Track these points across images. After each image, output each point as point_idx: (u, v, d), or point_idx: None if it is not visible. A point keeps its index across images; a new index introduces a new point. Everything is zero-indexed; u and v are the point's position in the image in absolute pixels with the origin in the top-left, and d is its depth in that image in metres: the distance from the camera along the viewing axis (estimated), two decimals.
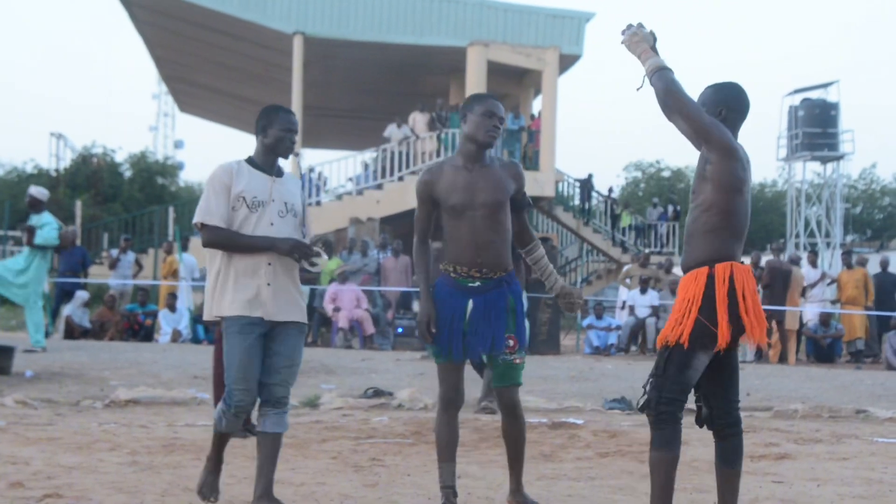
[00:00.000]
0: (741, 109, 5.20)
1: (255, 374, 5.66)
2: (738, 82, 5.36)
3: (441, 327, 5.82)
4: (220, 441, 6.01)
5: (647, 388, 5.08)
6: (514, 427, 6.02)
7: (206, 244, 5.69)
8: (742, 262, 5.07)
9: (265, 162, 5.82)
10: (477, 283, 5.79)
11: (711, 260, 5.00)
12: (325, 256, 5.79)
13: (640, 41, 5.27)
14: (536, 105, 31.29)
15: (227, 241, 5.63)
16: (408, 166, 27.42)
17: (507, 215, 5.85)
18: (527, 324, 6.20)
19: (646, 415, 5.10)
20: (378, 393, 11.55)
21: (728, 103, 5.17)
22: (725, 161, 5.00)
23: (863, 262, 21.85)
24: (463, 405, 6.21)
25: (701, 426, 5.21)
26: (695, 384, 5.06)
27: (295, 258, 5.66)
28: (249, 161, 5.82)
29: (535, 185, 27.43)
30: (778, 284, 18.83)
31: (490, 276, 5.79)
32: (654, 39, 5.29)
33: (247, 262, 5.62)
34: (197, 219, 5.63)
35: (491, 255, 5.78)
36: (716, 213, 5.02)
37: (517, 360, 5.87)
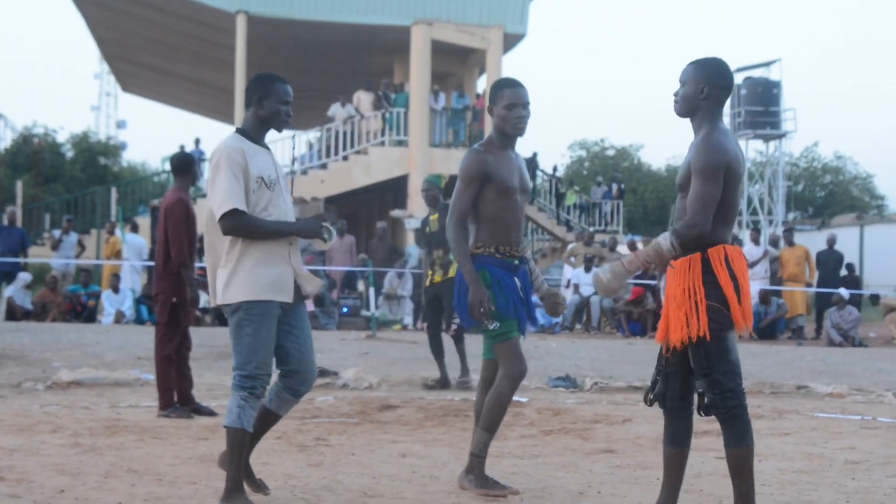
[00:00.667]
0: (726, 85, 5.05)
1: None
2: (720, 57, 5.24)
3: (510, 304, 5.90)
4: (242, 443, 5.44)
5: (664, 383, 5.05)
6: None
7: (229, 232, 5.31)
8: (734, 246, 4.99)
9: (258, 135, 5.54)
10: (516, 262, 6.02)
11: (703, 246, 4.90)
12: (334, 233, 5.73)
13: (622, 274, 5.07)
14: (481, 84, 31.28)
15: (254, 229, 5.33)
16: (352, 146, 27.31)
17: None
18: None
19: (660, 407, 5.09)
20: (323, 373, 11.49)
21: (711, 80, 5.01)
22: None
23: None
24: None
25: (651, 405, 5.14)
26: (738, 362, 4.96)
27: (314, 237, 5.56)
28: (244, 135, 5.50)
29: None
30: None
31: (521, 255, 6.05)
32: (620, 269, 5.10)
33: (270, 245, 5.38)
34: (226, 207, 5.24)
35: (521, 237, 6.06)
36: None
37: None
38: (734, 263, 4.89)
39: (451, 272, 11.16)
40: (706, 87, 4.99)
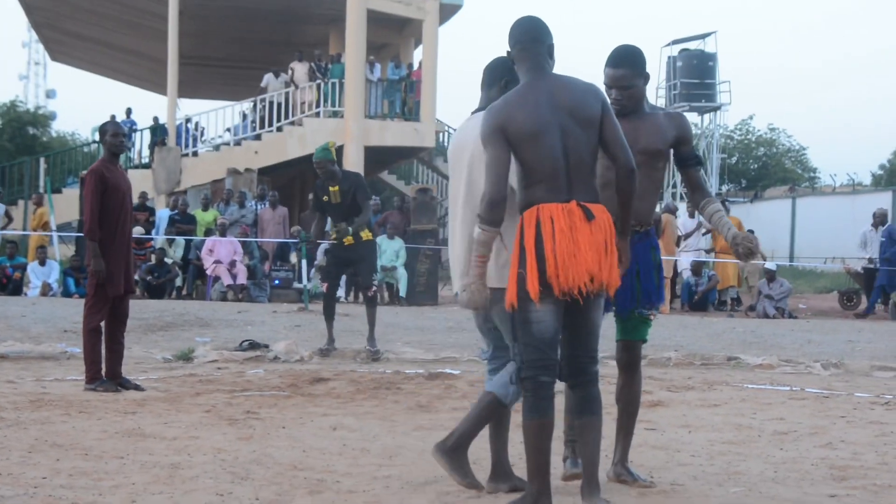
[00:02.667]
0: (519, 40, 4.88)
1: None
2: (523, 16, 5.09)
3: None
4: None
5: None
6: (633, 385, 5.71)
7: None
8: (563, 203, 4.71)
9: None
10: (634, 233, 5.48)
11: (522, 208, 4.79)
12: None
13: (474, 285, 4.83)
14: (417, 55, 31.13)
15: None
16: (286, 117, 27.12)
17: (664, 167, 5.61)
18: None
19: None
20: (254, 346, 11.42)
21: (510, 45, 4.91)
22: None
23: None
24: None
25: (561, 379, 4.97)
26: (553, 337, 4.78)
27: None
28: None
29: (416, 135, 27.37)
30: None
31: (637, 228, 5.49)
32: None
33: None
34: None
35: (643, 206, 5.44)
36: (518, 165, 4.79)
37: (652, 316, 5.70)
38: (555, 223, 4.67)
39: (365, 235, 11.17)
40: (513, 52, 4.92)
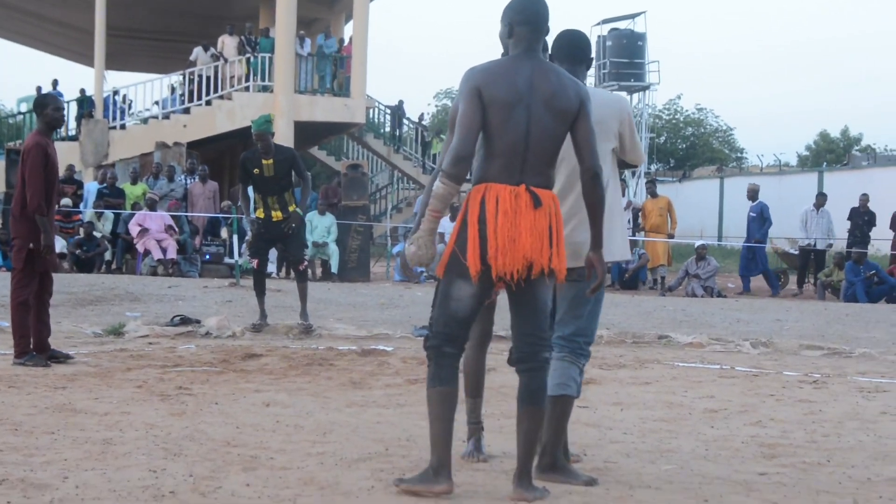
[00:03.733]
0: (526, 20, 4.85)
1: None
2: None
3: None
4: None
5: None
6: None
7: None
8: (512, 185, 4.70)
9: None
10: None
11: (475, 181, 4.80)
12: None
13: (424, 237, 4.83)
14: (348, 30, 30.97)
15: None
16: (216, 90, 26.87)
17: None
18: None
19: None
20: (185, 321, 11.33)
21: (512, 18, 4.87)
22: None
23: None
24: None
25: (509, 363, 5.05)
26: (469, 316, 4.81)
27: None
28: None
29: (346, 111, 27.23)
30: None
31: None
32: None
33: None
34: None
35: None
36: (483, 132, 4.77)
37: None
38: (499, 205, 4.65)
39: (291, 208, 11.17)
40: (511, 27, 4.88)
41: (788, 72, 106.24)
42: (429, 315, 5.10)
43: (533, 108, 4.74)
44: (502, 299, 5.54)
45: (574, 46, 5.46)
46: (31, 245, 8.74)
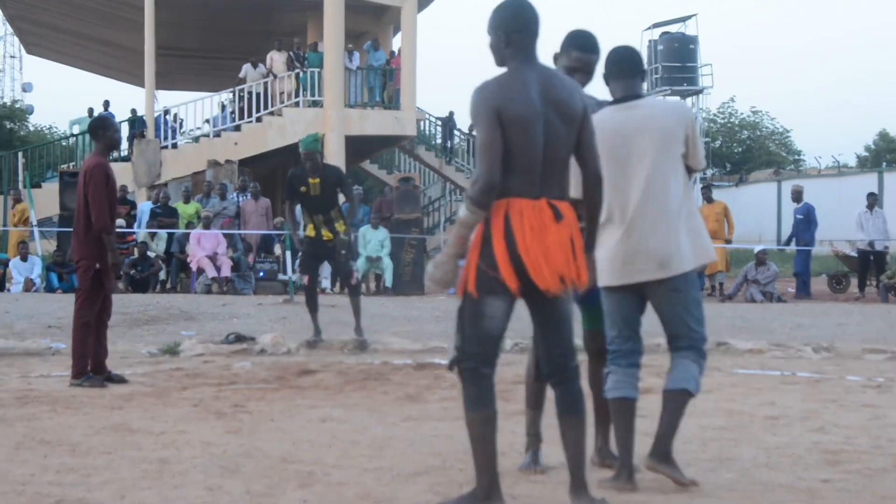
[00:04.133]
0: (523, 27, 4.79)
1: None
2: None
3: None
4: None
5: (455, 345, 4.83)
6: (603, 371, 5.69)
7: None
8: (533, 200, 4.64)
9: None
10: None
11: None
12: None
13: (446, 263, 4.79)
14: (396, 42, 31.03)
15: None
16: (266, 107, 27.01)
17: None
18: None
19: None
20: (240, 338, 11.35)
21: (508, 26, 4.79)
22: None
23: None
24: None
25: (538, 378, 5.09)
26: (500, 332, 4.73)
27: None
28: None
29: (396, 124, 27.27)
30: None
31: None
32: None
33: None
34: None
35: None
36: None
37: None
38: (524, 219, 4.60)
39: (339, 228, 11.14)
40: (504, 34, 4.80)
41: (845, 70, 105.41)
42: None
43: (549, 120, 4.68)
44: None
45: (628, 62, 5.45)
46: (97, 265, 8.86)
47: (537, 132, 4.65)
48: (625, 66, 5.43)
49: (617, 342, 5.48)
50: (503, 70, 4.82)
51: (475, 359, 4.72)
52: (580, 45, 5.49)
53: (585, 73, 5.51)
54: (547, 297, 4.69)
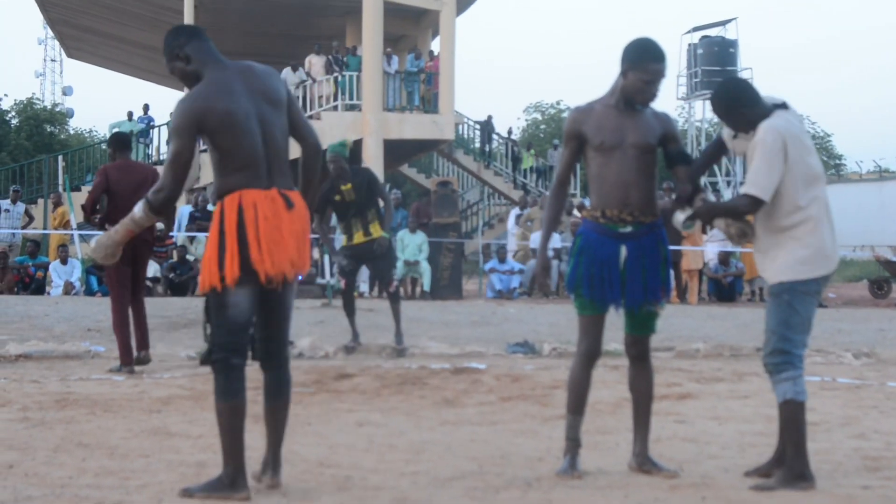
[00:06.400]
0: (192, 35, 5.12)
1: None
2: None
3: (594, 276, 5.56)
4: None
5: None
6: (644, 377, 5.73)
7: None
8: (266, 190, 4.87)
9: None
10: (627, 229, 5.58)
11: (221, 195, 4.88)
12: None
13: (105, 243, 5.16)
14: (435, 46, 31.03)
15: None
16: (305, 111, 27.03)
17: (656, 161, 5.65)
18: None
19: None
20: None
21: (174, 48, 5.09)
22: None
23: None
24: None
25: (254, 359, 5.13)
26: (246, 321, 4.92)
27: None
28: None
29: (435, 128, 27.27)
30: (669, 225, 18.44)
31: (642, 220, 5.59)
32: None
33: None
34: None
35: (641, 198, 5.58)
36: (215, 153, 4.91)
37: (660, 310, 5.70)
38: (258, 210, 4.80)
39: (375, 232, 11.10)
40: (177, 52, 5.12)
41: (885, 73, 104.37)
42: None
43: (261, 113, 4.96)
44: (608, 317, 5.52)
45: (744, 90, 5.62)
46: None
47: (252, 127, 4.87)
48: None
49: (802, 346, 5.50)
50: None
51: (225, 349, 4.90)
52: (655, 56, 5.53)
53: (660, 83, 5.57)
54: (274, 287, 4.89)
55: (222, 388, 4.91)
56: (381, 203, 11.36)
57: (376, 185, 11.35)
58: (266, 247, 4.77)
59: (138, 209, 4.96)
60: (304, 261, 4.94)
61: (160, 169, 5.69)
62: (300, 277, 5.05)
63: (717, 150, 5.91)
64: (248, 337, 4.98)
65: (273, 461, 5.12)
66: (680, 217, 5.58)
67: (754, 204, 5.35)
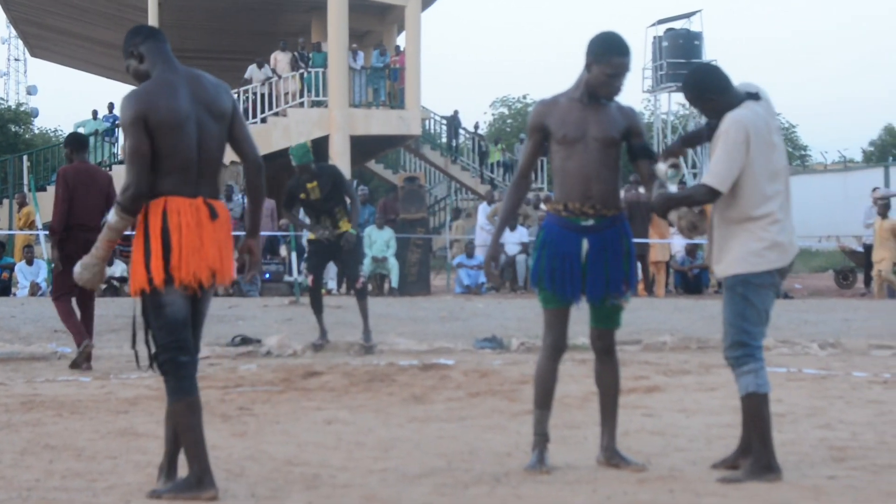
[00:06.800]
0: (148, 35, 5.15)
1: None
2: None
3: (555, 270, 5.55)
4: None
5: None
6: (610, 371, 5.73)
7: None
8: (191, 198, 4.93)
9: None
10: (589, 222, 5.57)
11: (148, 197, 4.93)
12: None
13: (90, 265, 5.14)
14: (400, 41, 30.99)
15: None
16: (270, 108, 26.92)
17: (619, 154, 5.64)
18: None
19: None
20: (245, 340, 11.35)
21: (130, 44, 5.14)
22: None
23: None
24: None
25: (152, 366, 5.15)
26: (185, 319, 4.98)
27: None
28: None
29: (401, 123, 27.24)
30: (637, 218, 18.53)
31: (604, 213, 5.59)
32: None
33: None
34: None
35: (604, 191, 5.58)
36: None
37: (624, 304, 5.70)
38: (182, 217, 4.86)
39: (344, 227, 11.12)
40: (135, 49, 5.17)
41: (849, 65, 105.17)
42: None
43: (200, 120, 4.99)
44: (575, 311, 5.53)
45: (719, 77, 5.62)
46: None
47: (189, 133, 4.91)
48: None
49: (760, 337, 5.50)
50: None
51: (170, 349, 4.94)
52: (619, 50, 5.54)
53: (624, 76, 5.59)
54: (196, 295, 4.97)
55: (174, 387, 4.94)
56: (348, 200, 11.34)
57: (342, 182, 11.32)
58: (185, 254, 4.85)
59: (111, 215, 4.97)
60: (225, 269, 5.01)
61: (120, 168, 5.70)
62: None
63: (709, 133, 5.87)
64: (189, 334, 5.02)
65: (168, 468, 5.12)
66: (662, 167, 5.58)
67: (711, 194, 5.38)
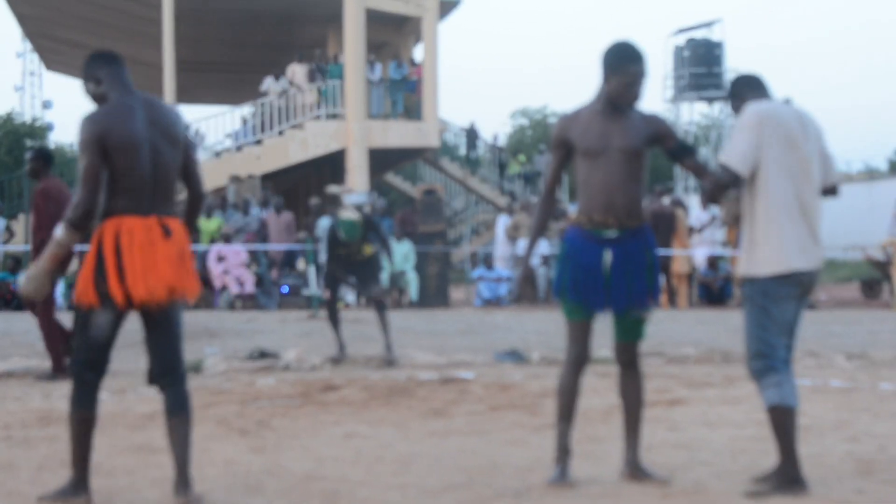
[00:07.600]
0: (109, 61, 5.36)
1: None
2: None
3: (578, 282, 5.52)
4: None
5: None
6: (634, 384, 5.69)
7: None
8: (144, 217, 5.08)
9: None
10: (614, 233, 5.53)
11: (102, 216, 5.08)
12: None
13: (36, 275, 5.28)
14: (418, 53, 30.98)
15: None
16: (287, 120, 26.92)
17: (643, 165, 5.59)
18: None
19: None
20: (264, 354, 11.29)
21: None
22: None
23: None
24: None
25: (150, 382, 5.31)
26: (107, 341, 5.16)
27: None
28: None
29: (419, 135, 27.19)
30: (661, 228, 18.44)
31: (627, 225, 5.54)
32: None
33: None
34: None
35: (627, 202, 5.53)
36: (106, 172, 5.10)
37: (647, 316, 5.66)
38: (134, 237, 5.02)
39: (367, 250, 11.31)
40: (95, 76, 5.43)
41: (875, 73, 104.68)
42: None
43: (155, 144, 5.18)
44: (597, 324, 5.47)
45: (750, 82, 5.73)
46: None
47: (144, 156, 5.10)
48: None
49: (782, 349, 5.48)
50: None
51: (82, 364, 5.16)
52: (632, 58, 5.54)
53: (641, 83, 5.56)
54: (157, 309, 5.12)
55: (75, 398, 5.14)
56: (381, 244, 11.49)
57: (378, 230, 11.45)
58: (140, 273, 4.99)
59: (59, 230, 5.12)
60: (184, 283, 5.14)
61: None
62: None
63: None
64: (108, 355, 5.20)
65: (181, 479, 5.14)
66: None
67: (727, 173, 5.36)
